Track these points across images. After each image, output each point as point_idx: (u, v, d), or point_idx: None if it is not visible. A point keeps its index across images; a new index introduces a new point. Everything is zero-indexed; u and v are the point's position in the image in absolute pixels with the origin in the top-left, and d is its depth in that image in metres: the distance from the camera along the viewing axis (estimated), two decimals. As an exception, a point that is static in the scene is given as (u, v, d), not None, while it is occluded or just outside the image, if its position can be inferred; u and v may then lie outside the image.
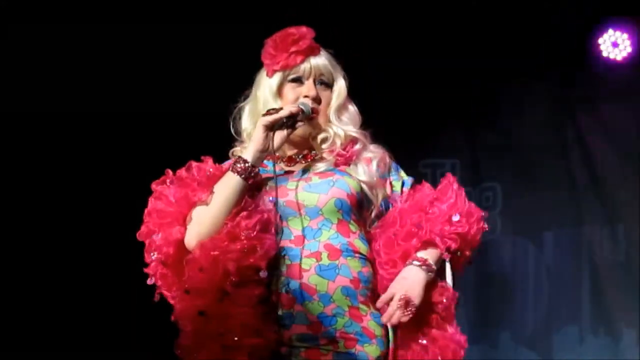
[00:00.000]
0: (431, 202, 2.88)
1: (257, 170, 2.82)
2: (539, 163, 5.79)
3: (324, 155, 2.95)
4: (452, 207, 2.86)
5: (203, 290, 2.75)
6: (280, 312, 2.79)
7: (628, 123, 5.60)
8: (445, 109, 5.89)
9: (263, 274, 2.75)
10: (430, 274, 2.80)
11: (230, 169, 2.82)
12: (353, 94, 3.04)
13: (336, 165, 2.93)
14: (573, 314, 5.69)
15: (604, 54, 5.60)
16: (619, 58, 5.59)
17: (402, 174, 3.03)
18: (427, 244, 2.83)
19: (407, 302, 2.76)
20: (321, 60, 2.97)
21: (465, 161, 5.90)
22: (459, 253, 2.86)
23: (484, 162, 5.89)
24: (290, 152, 2.98)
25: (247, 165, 2.80)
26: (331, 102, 2.96)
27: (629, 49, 5.57)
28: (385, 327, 2.82)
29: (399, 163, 3.06)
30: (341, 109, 2.97)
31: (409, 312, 2.76)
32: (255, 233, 2.75)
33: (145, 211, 2.86)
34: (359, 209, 2.90)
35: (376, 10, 5.42)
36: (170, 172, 2.88)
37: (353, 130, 2.96)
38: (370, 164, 2.94)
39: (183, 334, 2.77)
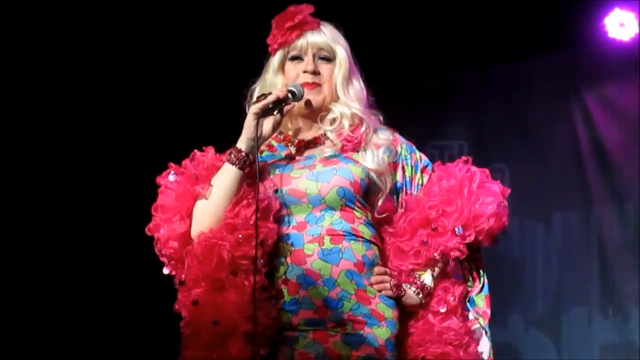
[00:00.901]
0: (437, 214, 2.89)
1: (252, 158, 2.81)
2: (547, 144, 5.79)
3: (332, 138, 2.93)
4: (457, 220, 2.88)
5: (198, 280, 2.77)
6: (286, 299, 2.80)
7: (635, 103, 5.58)
8: (453, 91, 5.89)
9: (260, 262, 2.76)
10: (425, 297, 2.88)
11: (226, 159, 2.83)
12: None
13: (343, 150, 2.91)
14: (582, 295, 5.70)
15: (611, 34, 5.57)
16: (625, 38, 5.56)
17: (417, 156, 3.01)
18: (431, 260, 2.89)
19: (397, 286, 2.85)
20: (319, 35, 2.95)
21: (472, 143, 5.89)
22: (475, 248, 2.96)
23: (492, 143, 5.88)
24: (302, 135, 2.98)
25: (241, 154, 2.81)
26: (333, 76, 2.94)
27: (636, 29, 5.53)
28: (396, 308, 2.85)
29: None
30: (345, 82, 2.95)
31: (394, 292, 2.85)
32: (252, 222, 2.76)
33: (153, 206, 2.88)
34: (365, 195, 2.89)
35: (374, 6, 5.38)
36: (172, 165, 2.89)
37: (359, 109, 2.94)
38: (379, 150, 2.93)
39: (183, 322, 2.81)
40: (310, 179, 2.86)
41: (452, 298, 2.88)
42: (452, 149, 5.86)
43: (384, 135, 2.96)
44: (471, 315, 2.96)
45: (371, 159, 2.90)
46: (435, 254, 2.87)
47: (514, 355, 5.79)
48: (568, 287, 5.73)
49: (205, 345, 2.74)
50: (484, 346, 2.97)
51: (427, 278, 2.89)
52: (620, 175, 5.62)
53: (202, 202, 2.82)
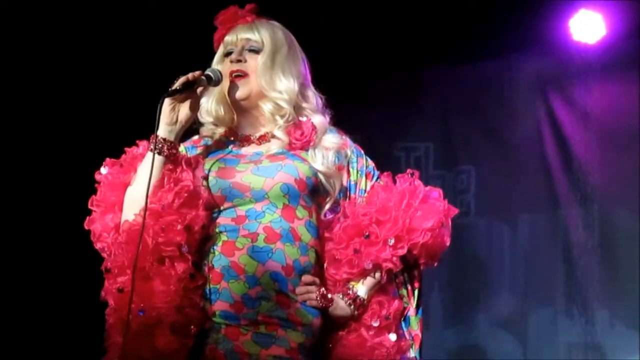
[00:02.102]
0: (370, 222, 2.83)
1: (170, 143, 2.79)
2: (513, 146, 5.80)
3: (280, 135, 2.90)
4: (390, 230, 2.82)
5: (124, 267, 2.74)
6: (208, 287, 2.78)
7: (601, 105, 5.60)
8: (419, 92, 5.89)
9: (184, 249, 2.74)
10: (357, 309, 2.83)
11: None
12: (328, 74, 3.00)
13: (292, 147, 2.88)
14: (548, 296, 5.71)
15: (576, 35, 5.56)
16: (591, 40, 5.56)
17: (364, 161, 2.97)
18: (364, 271, 2.84)
19: (324, 297, 2.81)
20: (249, 28, 2.94)
21: (439, 144, 5.89)
22: (412, 264, 2.91)
23: (459, 145, 5.89)
24: (247, 130, 2.95)
25: (158, 139, 2.79)
26: (258, 65, 2.91)
27: (602, 31, 5.52)
28: (319, 317, 2.81)
29: (374, 146, 3.03)
30: (269, 71, 2.90)
31: (319, 303, 2.80)
32: (176, 207, 2.74)
33: (89, 200, 2.86)
34: (312, 194, 2.85)
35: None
36: (108, 160, 2.88)
37: (284, 100, 2.88)
38: (328, 152, 2.90)
39: (108, 310, 2.78)
40: (255, 174, 2.82)
41: (386, 314, 2.84)
42: (418, 150, 5.87)
43: (335, 138, 2.93)
44: (406, 335, 2.91)
45: (320, 161, 2.87)
46: (367, 264, 2.81)
47: (480, 355, 5.80)
48: (534, 288, 5.75)
49: (131, 334, 2.68)
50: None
51: (360, 289, 2.83)
52: (586, 177, 5.64)
53: (128, 191, 2.80)
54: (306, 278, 2.80)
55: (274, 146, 2.89)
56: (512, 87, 5.82)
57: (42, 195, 5.48)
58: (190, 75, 2.79)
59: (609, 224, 5.56)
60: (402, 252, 2.82)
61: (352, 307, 2.82)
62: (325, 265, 2.87)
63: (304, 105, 2.93)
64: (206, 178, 2.84)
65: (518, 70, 5.80)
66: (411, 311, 2.92)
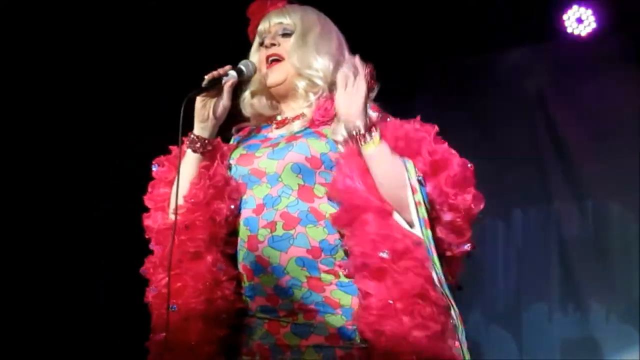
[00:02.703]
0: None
1: (204, 140, 2.82)
2: (506, 141, 5.79)
3: (307, 113, 2.88)
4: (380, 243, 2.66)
5: (156, 267, 2.81)
6: (245, 284, 2.80)
7: (593, 99, 5.60)
8: (411, 86, 5.87)
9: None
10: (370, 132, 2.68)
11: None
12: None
13: (313, 124, 2.84)
14: (542, 291, 5.71)
15: (569, 29, 5.58)
16: (583, 34, 5.57)
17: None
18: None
19: (371, 75, 2.72)
20: (281, 13, 2.94)
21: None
22: None
23: (451, 140, 5.86)
24: (285, 115, 2.94)
25: (192, 137, 2.82)
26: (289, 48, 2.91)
27: (594, 25, 5.54)
28: (357, 296, 2.70)
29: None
30: (303, 52, 2.88)
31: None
32: (204, 203, 2.77)
33: (144, 198, 2.92)
34: (331, 170, 2.76)
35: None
36: (158, 158, 2.91)
37: (320, 77, 2.87)
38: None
39: (149, 309, 2.84)
40: (270, 158, 2.81)
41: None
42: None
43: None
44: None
45: (340, 132, 2.78)
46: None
47: (475, 352, 5.73)
48: (528, 283, 5.75)
49: (171, 331, 2.73)
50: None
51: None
52: (580, 172, 5.64)
53: (173, 186, 2.83)
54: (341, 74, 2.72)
55: (296, 126, 2.87)
56: (505, 82, 5.81)
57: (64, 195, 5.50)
58: (215, 73, 2.80)
59: (603, 219, 5.56)
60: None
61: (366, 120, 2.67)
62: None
63: None
64: (229, 167, 2.86)
65: (511, 65, 5.79)
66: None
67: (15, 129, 5.30)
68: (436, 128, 2.79)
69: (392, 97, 2.98)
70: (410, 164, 2.68)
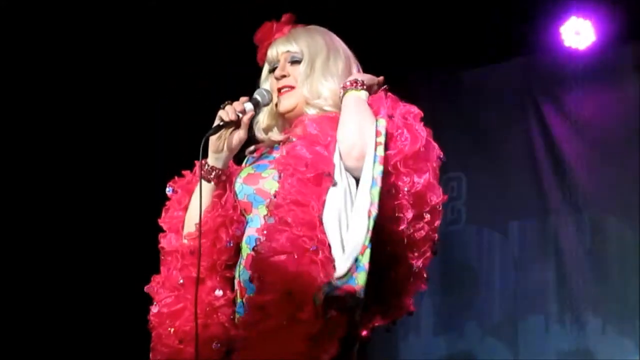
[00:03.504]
0: None
1: (218, 171, 2.84)
2: (504, 153, 5.79)
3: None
4: None
5: (159, 288, 2.85)
6: (237, 300, 2.81)
7: (591, 111, 5.60)
8: (407, 98, 5.86)
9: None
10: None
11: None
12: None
13: None
14: (539, 303, 5.70)
15: (567, 42, 5.57)
16: (581, 47, 5.57)
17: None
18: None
19: None
20: (287, 40, 2.94)
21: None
22: None
23: (449, 152, 5.84)
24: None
25: (205, 167, 2.84)
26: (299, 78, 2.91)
27: (592, 37, 5.54)
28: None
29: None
30: (311, 80, 2.89)
31: None
32: (213, 230, 2.81)
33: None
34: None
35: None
36: (172, 180, 2.95)
37: (328, 105, 2.87)
38: None
39: (149, 326, 2.87)
40: (275, 180, 2.80)
41: None
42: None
43: None
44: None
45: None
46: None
47: (471, 363, 5.79)
48: (525, 295, 5.74)
49: (165, 352, 2.78)
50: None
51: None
52: (577, 184, 5.63)
53: (187, 214, 2.88)
54: None
55: None
56: (503, 94, 5.81)
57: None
58: (232, 112, 2.80)
59: (600, 231, 5.55)
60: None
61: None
62: None
63: None
64: (236, 185, 2.87)
65: (508, 77, 5.79)
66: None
67: (18, 131, 5.31)
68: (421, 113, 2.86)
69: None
70: (382, 120, 2.71)
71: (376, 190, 2.58)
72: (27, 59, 5.21)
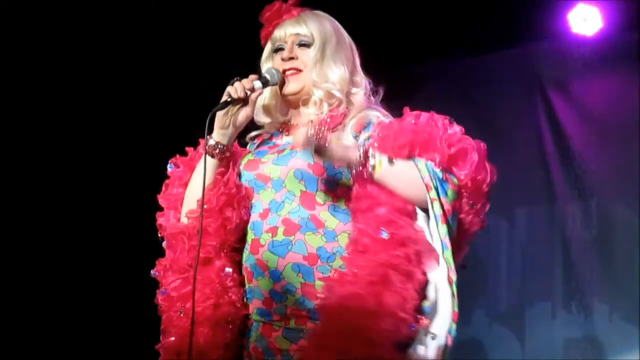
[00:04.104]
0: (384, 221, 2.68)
1: (223, 147, 2.83)
2: (510, 140, 5.78)
3: (313, 119, 2.89)
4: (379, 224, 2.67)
5: (167, 270, 2.85)
6: (245, 286, 2.84)
7: (599, 97, 5.59)
8: (413, 86, 5.86)
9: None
10: (364, 155, 2.68)
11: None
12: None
13: None
14: (545, 290, 5.70)
15: (574, 29, 5.56)
16: (588, 33, 5.55)
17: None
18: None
19: (318, 131, 2.67)
20: (297, 22, 2.94)
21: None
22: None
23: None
24: (294, 121, 2.97)
25: (210, 142, 2.84)
26: (310, 59, 2.91)
27: (599, 24, 5.52)
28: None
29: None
30: (319, 63, 2.90)
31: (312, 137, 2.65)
32: (217, 209, 2.80)
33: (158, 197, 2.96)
34: (335, 177, 2.80)
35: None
36: (173, 158, 2.95)
37: (336, 89, 2.89)
38: (359, 133, 2.86)
39: (159, 312, 2.88)
40: (275, 163, 2.85)
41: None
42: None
43: (368, 118, 2.89)
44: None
45: (348, 138, 2.82)
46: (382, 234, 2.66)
47: (478, 350, 5.79)
48: (531, 282, 5.73)
49: (177, 334, 2.78)
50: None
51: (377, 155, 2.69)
52: (584, 171, 5.62)
53: (187, 189, 2.88)
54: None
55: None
56: (510, 81, 5.80)
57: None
58: (241, 88, 2.79)
59: (608, 218, 5.54)
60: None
61: (359, 151, 2.68)
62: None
63: (353, 90, 2.94)
64: (239, 173, 2.88)
65: (515, 64, 5.78)
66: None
67: (18, 132, 5.31)
68: (448, 118, 2.86)
69: (392, 97, 2.99)
70: (421, 163, 2.69)
71: (449, 253, 2.67)
72: (27, 59, 5.21)
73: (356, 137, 2.83)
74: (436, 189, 2.68)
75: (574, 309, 5.60)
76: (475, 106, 5.86)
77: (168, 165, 2.93)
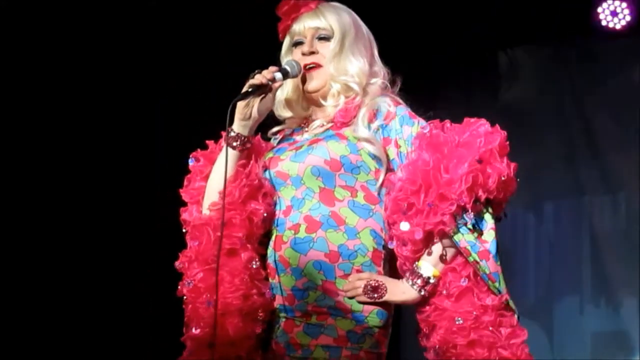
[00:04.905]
0: (405, 195, 2.71)
1: (244, 138, 2.82)
2: (538, 133, 5.77)
3: (330, 112, 2.90)
4: (426, 194, 2.68)
5: (192, 261, 2.84)
6: (270, 281, 2.84)
7: (627, 92, 5.57)
8: (441, 78, 5.85)
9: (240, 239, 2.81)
10: (423, 288, 2.72)
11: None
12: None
13: (335, 126, 2.87)
14: (573, 284, 5.69)
15: (603, 23, 5.56)
16: (618, 27, 5.56)
17: (411, 129, 2.84)
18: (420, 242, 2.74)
19: (373, 289, 2.74)
20: (316, 15, 2.93)
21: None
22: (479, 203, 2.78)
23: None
24: (318, 116, 2.96)
25: (232, 134, 2.83)
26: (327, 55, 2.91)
27: (628, 18, 5.53)
28: (373, 302, 2.75)
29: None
30: (339, 59, 2.89)
31: (370, 297, 2.74)
32: (240, 202, 2.80)
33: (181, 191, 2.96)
34: (352, 172, 2.80)
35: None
36: (194, 152, 2.94)
37: (353, 81, 2.88)
38: (372, 122, 2.85)
39: (184, 304, 2.87)
40: (292, 160, 2.85)
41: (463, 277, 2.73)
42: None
43: (382, 107, 2.87)
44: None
45: (362, 129, 2.82)
46: (417, 234, 2.68)
47: (506, 344, 5.77)
48: (559, 276, 5.72)
49: (204, 325, 2.77)
50: None
51: (424, 267, 2.71)
52: (612, 165, 5.61)
53: (208, 181, 2.87)
54: (353, 276, 2.75)
55: (318, 129, 2.90)
56: (538, 74, 5.79)
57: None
58: (262, 78, 2.79)
59: (635, 212, 5.52)
60: (452, 208, 2.67)
61: (416, 286, 2.72)
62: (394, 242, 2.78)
63: (372, 81, 2.92)
64: (265, 171, 2.89)
65: (543, 57, 5.76)
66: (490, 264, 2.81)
67: (18, 133, 5.31)
68: (503, 135, 2.98)
69: (416, 92, 3.00)
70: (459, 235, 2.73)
71: (500, 278, 2.90)
72: (27, 59, 5.17)
73: (368, 127, 2.83)
74: (475, 235, 2.78)
75: (602, 304, 5.59)
76: (503, 100, 5.86)
77: (189, 160, 2.93)
